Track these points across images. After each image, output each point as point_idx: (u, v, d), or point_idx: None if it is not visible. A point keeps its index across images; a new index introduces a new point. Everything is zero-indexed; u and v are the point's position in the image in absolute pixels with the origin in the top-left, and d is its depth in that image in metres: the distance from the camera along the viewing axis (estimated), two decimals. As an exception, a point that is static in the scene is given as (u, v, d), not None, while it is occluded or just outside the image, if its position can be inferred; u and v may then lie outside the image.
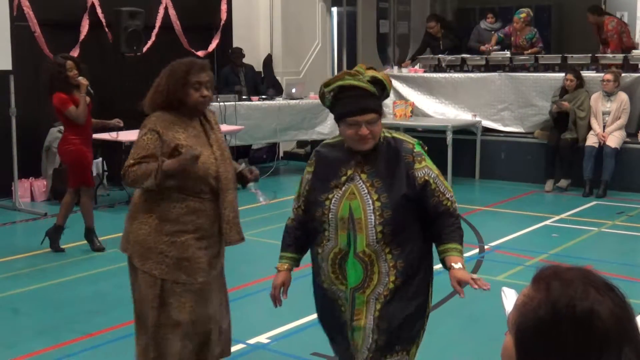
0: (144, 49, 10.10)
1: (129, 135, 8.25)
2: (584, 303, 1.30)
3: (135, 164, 3.60)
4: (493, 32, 11.64)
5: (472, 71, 11.03)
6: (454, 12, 15.81)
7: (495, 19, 11.90)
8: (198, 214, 3.70)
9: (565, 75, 9.66)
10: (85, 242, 7.24)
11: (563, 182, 9.58)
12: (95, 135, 9.10)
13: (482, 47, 11.40)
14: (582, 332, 1.29)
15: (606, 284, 1.35)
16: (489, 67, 10.89)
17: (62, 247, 7.09)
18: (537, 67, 10.59)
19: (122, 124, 7.43)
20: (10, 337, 5.02)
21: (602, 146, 9.33)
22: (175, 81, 3.65)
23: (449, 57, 11.34)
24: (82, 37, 9.94)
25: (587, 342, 1.29)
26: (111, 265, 6.61)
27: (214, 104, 10.17)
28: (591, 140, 9.42)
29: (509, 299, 3.30)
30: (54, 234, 7.07)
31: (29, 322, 5.32)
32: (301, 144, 12.19)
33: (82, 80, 6.85)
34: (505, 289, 3.48)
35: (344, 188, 3.02)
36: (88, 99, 6.89)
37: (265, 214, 8.40)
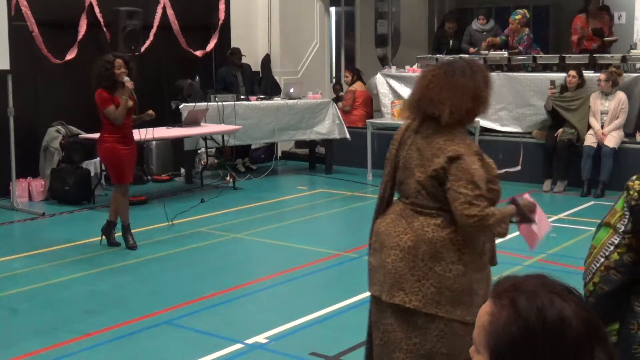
0: (142, 49, 10.09)
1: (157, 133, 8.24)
2: (553, 312, 1.30)
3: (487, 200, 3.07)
4: (484, 33, 11.64)
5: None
6: (452, 12, 15.82)
7: (487, 20, 11.84)
8: None
9: (568, 72, 9.66)
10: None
11: (560, 185, 9.57)
12: (95, 135, 9.11)
13: (471, 49, 11.43)
14: (557, 341, 1.30)
15: (565, 288, 1.37)
16: (487, 67, 10.85)
17: (117, 240, 7.12)
18: (535, 67, 10.59)
19: (154, 116, 7.37)
20: (8, 337, 5.02)
21: (600, 146, 9.34)
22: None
23: (447, 57, 11.33)
24: (80, 36, 9.93)
25: (562, 350, 1.30)
26: (109, 265, 6.60)
27: (211, 103, 10.18)
28: (589, 140, 9.42)
29: None
30: (107, 229, 7.10)
31: (27, 322, 5.31)
32: (299, 144, 12.19)
33: (128, 82, 6.77)
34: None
35: None
36: (130, 102, 6.84)
37: (265, 214, 8.40)
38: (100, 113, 6.86)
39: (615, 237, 2.50)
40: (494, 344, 1.32)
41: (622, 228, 2.49)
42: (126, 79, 6.76)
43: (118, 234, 7.15)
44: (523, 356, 1.30)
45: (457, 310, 3.05)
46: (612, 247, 2.50)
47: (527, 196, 3.28)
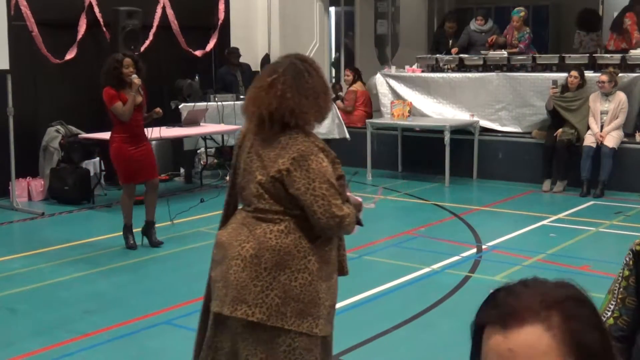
0: (142, 49, 10.08)
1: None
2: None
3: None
4: (483, 34, 11.63)
5: (469, 71, 11.03)
6: (451, 12, 15.83)
7: (485, 21, 11.82)
8: None
9: (569, 72, 9.67)
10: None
11: (559, 186, 9.57)
12: (94, 135, 9.12)
13: (453, 50, 11.45)
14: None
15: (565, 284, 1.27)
16: (487, 67, 10.88)
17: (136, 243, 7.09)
18: (534, 67, 10.59)
19: (161, 114, 7.37)
20: (7, 337, 5.01)
21: (599, 146, 9.34)
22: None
23: (447, 57, 11.34)
24: (79, 36, 9.93)
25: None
26: (109, 265, 6.60)
27: (211, 103, 10.18)
28: (589, 140, 9.42)
29: None
30: (126, 232, 7.08)
31: (26, 322, 5.31)
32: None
33: (135, 79, 6.79)
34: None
35: None
36: (140, 98, 6.84)
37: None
38: (109, 111, 6.88)
39: (611, 302, 2.42)
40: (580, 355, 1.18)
41: (617, 286, 2.41)
42: (134, 76, 6.79)
43: (137, 230, 7.14)
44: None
45: (305, 323, 2.90)
46: (608, 313, 2.43)
47: (350, 194, 3.09)
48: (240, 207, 3.13)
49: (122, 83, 6.79)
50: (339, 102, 11.92)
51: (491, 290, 1.28)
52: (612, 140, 9.31)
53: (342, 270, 3.16)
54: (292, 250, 2.91)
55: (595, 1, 13.11)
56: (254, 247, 2.91)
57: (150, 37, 10.59)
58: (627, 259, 2.31)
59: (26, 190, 9.28)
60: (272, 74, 2.99)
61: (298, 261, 2.90)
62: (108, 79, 6.81)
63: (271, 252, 2.89)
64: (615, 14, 11.45)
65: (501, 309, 1.20)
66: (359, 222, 3.13)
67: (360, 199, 3.15)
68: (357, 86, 11.88)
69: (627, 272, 2.30)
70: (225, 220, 3.15)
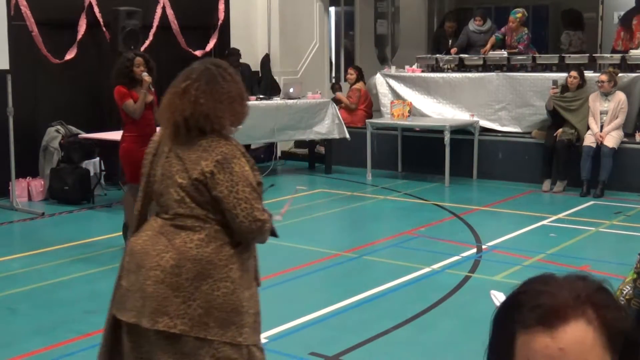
0: (142, 49, 10.07)
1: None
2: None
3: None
4: (481, 34, 11.62)
5: (469, 71, 11.03)
6: (451, 11, 15.83)
7: (484, 21, 11.81)
8: None
9: (569, 72, 9.67)
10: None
11: (559, 186, 9.57)
12: (94, 135, 9.12)
13: (452, 50, 11.46)
14: None
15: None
16: (487, 67, 10.89)
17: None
18: (534, 67, 10.59)
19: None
20: (7, 337, 5.01)
21: (599, 146, 9.34)
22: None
23: (447, 57, 11.34)
24: (79, 36, 9.93)
25: None
26: (109, 265, 6.60)
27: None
28: (589, 140, 9.42)
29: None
30: (126, 232, 7.07)
31: (26, 322, 5.31)
32: (299, 143, 12.19)
33: (145, 76, 6.79)
34: (494, 292, 3.48)
35: None
36: (150, 97, 6.84)
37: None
38: (120, 110, 6.89)
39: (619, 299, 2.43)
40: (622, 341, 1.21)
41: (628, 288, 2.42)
42: (144, 74, 6.80)
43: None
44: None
45: (228, 332, 2.84)
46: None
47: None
48: (155, 214, 3.03)
49: (133, 82, 6.82)
50: (339, 93, 11.92)
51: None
52: (612, 140, 9.31)
53: (256, 281, 3.08)
54: (214, 259, 2.85)
55: (595, 1, 13.12)
56: (174, 258, 2.84)
57: (150, 37, 10.59)
58: (637, 262, 2.33)
59: (26, 190, 9.28)
60: (186, 80, 2.98)
61: (220, 270, 2.85)
62: (119, 78, 6.84)
63: (192, 262, 2.83)
64: (616, 14, 11.46)
65: (540, 311, 1.18)
66: (274, 233, 3.10)
67: (269, 211, 3.07)
68: (360, 85, 11.89)
69: (634, 275, 2.32)
70: (136, 228, 3.07)
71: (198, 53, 11.34)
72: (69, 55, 9.86)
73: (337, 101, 11.87)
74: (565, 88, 9.67)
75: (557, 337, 1.16)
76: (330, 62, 14.06)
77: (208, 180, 2.85)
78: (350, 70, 12.11)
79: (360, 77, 11.94)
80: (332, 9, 13.95)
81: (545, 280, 1.24)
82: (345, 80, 12.41)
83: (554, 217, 8.26)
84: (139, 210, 3.10)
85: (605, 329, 1.18)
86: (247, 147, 11.40)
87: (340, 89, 12.44)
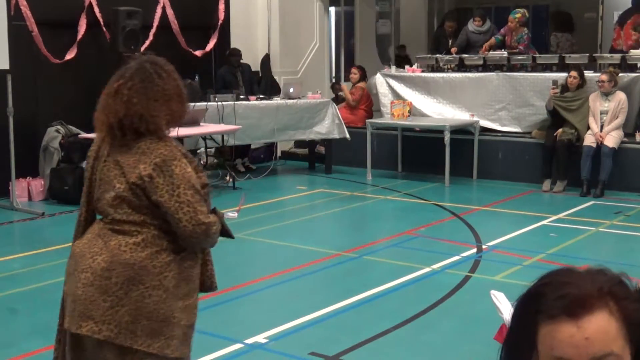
0: (142, 49, 10.07)
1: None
2: None
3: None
4: (481, 35, 11.62)
5: (469, 71, 11.04)
6: (451, 11, 15.84)
7: (483, 22, 11.80)
8: None
9: (569, 72, 9.67)
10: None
11: (559, 185, 9.57)
12: (93, 135, 9.10)
13: (452, 49, 11.46)
14: None
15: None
16: (487, 67, 10.89)
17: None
18: (534, 67, 10.59)
19: None
20: (8, 337, 5.02)
21: (599, 146, 9.34)
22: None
23: (447, 57, 11.34)
24: (79, 36, 9.93)
25: None
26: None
27: (211, 103, 10.18)
28: (589, 140, 9.42)
29: (502, 302, 3.28)
30: None
31: (26, 322, 5.32)
32: (299, 143, 12.19)
33: None
34: (494, 292, 3.47)
35: None
36: None
37: (264, 213, 8.40)
38: None
39: None
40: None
41: None
42: None
43: None
44: None
45: (156, 343, 2.72)
46: None
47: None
48: (98, 218, 2.97)
49: None
50: (344, 85, 11.91)
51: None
52: (612, 140, 9.31)
53: (211, 286, 3.00)
54: (147, 265, 2.74)
55: (595, 1, 13.13)
56: (106, 260, 2.74)
57: (150, 37, 10.59)
58: None
59: (26, 190, 9.28)
60: (119, 80, 2.84)
61: (153, 277, 2.73)
62: None
63: (124, 266, 2.72)
64: (616, 14, 11.47)
65: (565, 301, 1.21)
66: (228, 234, 3.01)
67: (219, 211, 2.99)
68: (363, 84, 11.89)
69: None
70: (78, 232, 3.01)
71: (198, 53, 11.35)
72: (69, 55, 9.87)
73: (338, 98, 11.90)
74: (565, 88, 9.67)
75: (582, 326, 1.19)
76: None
77: (147, 184, 2.74)
78: (354, 70, 12.12)
79: (364, 76, 11.95)
80: (332, 9, 13.95)
81: (568, 272, 1.27)
82: (349, 79, 12.42)
83: (554, 217, 8.26)
84: (83, 215, 3.02)
85: (626, 321, 1.21)
86: (247, 146, 11.42)
87: (340, 89, 12.45)
